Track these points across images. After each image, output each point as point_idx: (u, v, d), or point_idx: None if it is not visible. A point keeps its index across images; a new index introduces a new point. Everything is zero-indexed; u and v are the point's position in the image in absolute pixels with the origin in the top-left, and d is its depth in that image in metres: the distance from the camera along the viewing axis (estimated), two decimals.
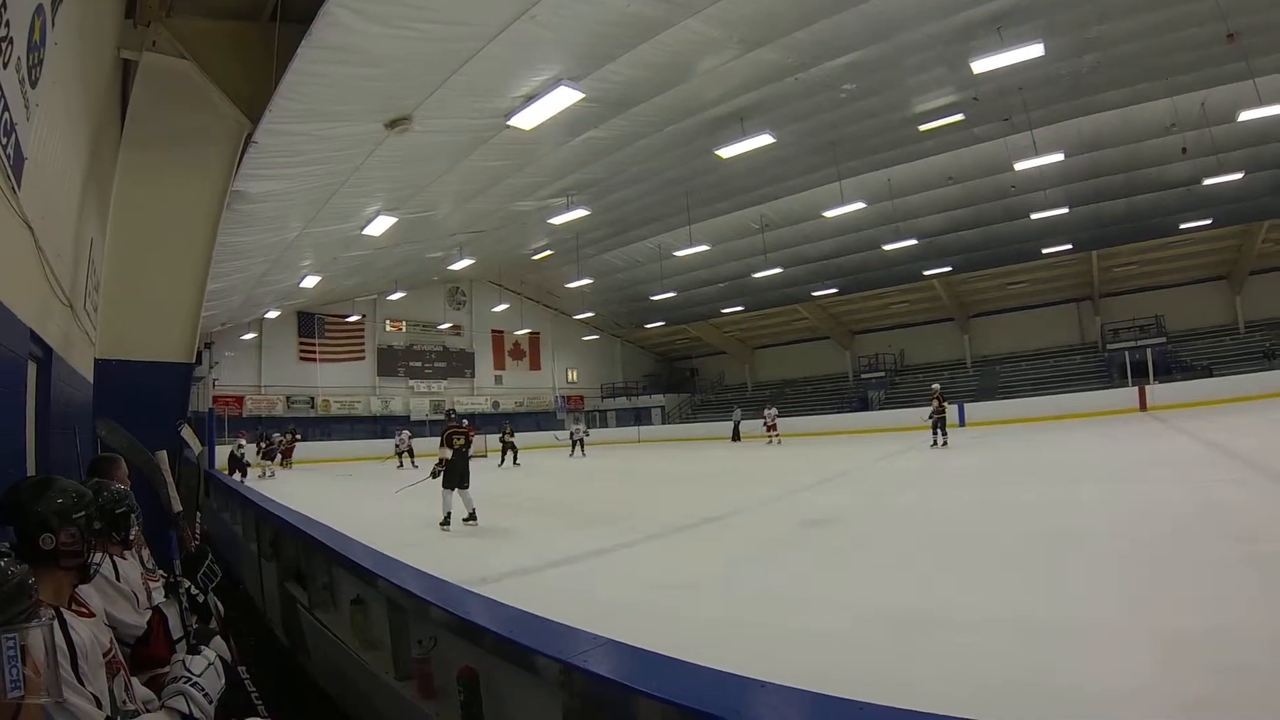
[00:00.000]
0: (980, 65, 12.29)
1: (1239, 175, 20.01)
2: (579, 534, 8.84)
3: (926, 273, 30.07)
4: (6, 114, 3.10)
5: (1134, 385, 25.34)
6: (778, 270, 29.77)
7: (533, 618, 2.32)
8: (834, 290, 32.96)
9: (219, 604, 3.61)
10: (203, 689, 1.95)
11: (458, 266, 26.05)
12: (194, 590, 3.06)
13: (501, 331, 40.39)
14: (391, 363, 36.11)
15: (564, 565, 7.04)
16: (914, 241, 26.39)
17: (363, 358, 35.13)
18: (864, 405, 34.03)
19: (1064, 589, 4.88)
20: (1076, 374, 29.99)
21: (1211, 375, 24.99)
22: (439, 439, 10.32)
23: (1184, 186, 22.64)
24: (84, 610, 1.92)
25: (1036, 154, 18.18)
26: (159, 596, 2.96)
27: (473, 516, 9.78)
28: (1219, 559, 5.15)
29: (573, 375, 44.55)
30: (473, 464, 10.36)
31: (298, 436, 26.74)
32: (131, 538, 2.77)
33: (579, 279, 30.33)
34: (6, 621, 1.33)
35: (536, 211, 21.22)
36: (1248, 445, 11.31)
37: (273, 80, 7.99)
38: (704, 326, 40.57)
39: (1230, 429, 14.05)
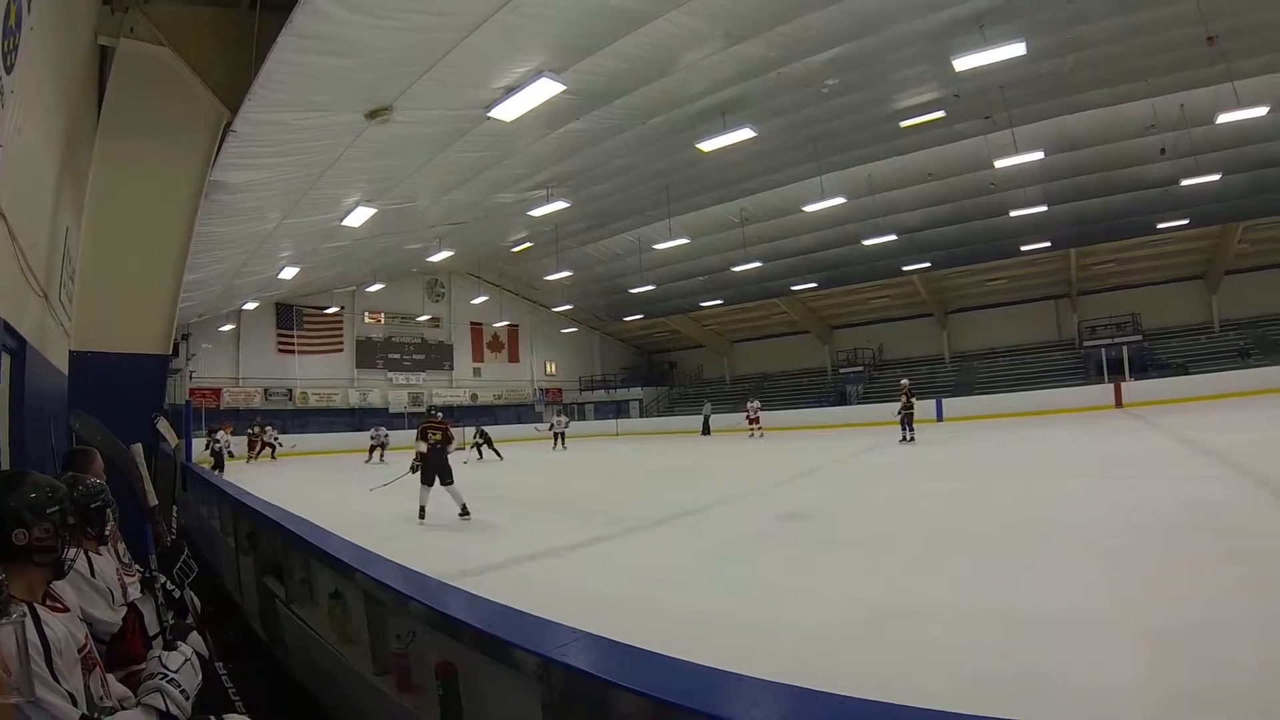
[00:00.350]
0: (962, 63, 12.35)
1: (1216, 176, 20.32)
2: (558, 527, 8.82)
3: (906, 268, 30.24)
4: None
5: (1110, 382, 25.66)
6: (757, 264, 29.90)
7: (511, 611, 2.32)
8: (813, 285, 33.18)
9: (196, 599, 3.59)
10: (180, 685, 1.94)
11: (437, 258, 25.89)
12: (170, 585, 3.05)
13: (480, 324, 40.24)
14: (370, 355, 35.90)
15: (542, 559, 7.03)
16: (894, 237, 26.65)
17: (341, 350, 34.88)
18: (842, 400, 34.22)
19: (1042, 583, 4.93)
20: (1054, 370, 30.33)
21: (1187, 373, 25.42)
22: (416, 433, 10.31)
23: (1162, 187, 22.95)
24: (58, 606, 1.89)
25: (1017, 152, 18.35)
26: (135, 592, 2.94)
27: (465, 512, 9.55)
28: (1198, 554, 5.24)
29: (551, 368, 44.52)
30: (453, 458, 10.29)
31: (267, 428, 26.53)
32: (107, 533, 2.73)
33: (558, 271, 30.33)
34: None
35: (516, 204, 21.15)
36: (1223, 442, 11.45)
37: (252, 69, 7.90)
38: (683, 320, 40.59)
39: (1205, 426, 14.22)
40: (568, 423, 28.42)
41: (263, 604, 4.90)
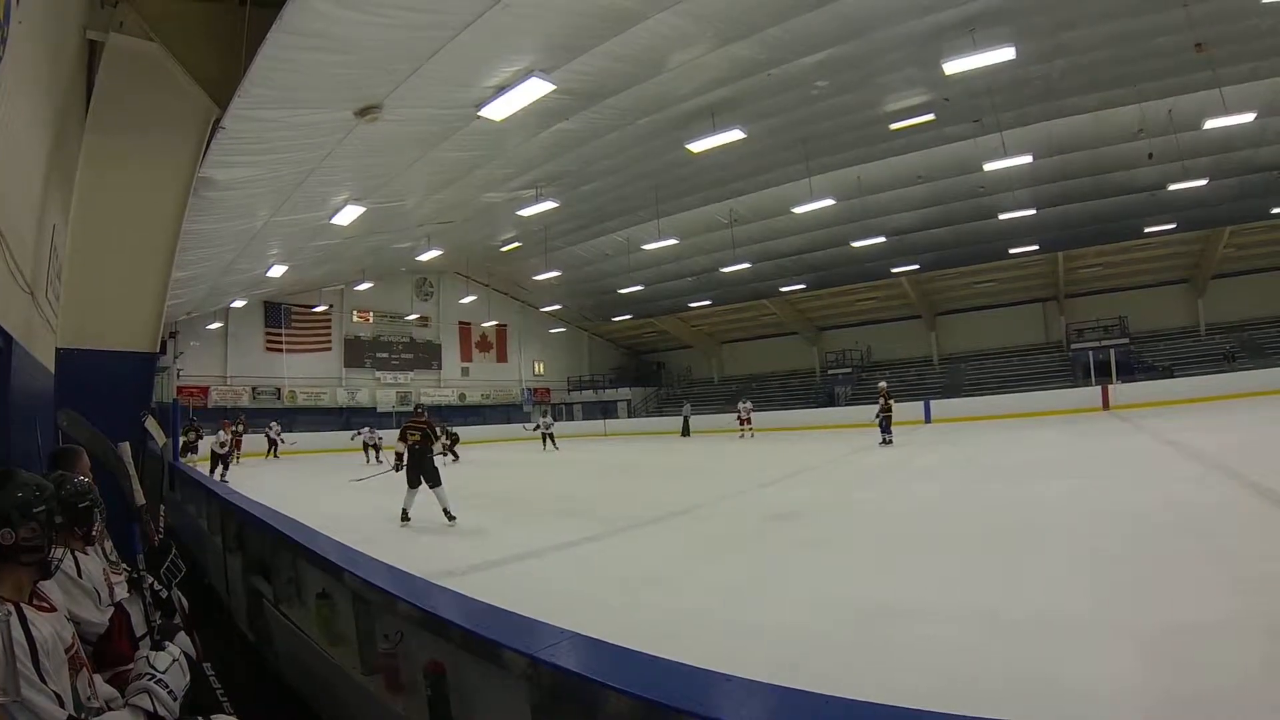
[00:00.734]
0: (952, 66, 12.43)
1: (1204, 181, 20.52)
2: (546, 527, 8.83)
3: (894, 270, 30.41)
4: None
5: (1097, 384, 25.86)
6: (746, 265, 30.00)
7: (499, 611, 2.31)
8: (802, 286, 33.26)
9: (183, 599, 3.57)
10: (167, 686, 1.94)
11: (426, 257, 25.86)
12: (158, 585, 3.03)
13: (469, 323, 40.13)
14: (358, 353, 35.72)
15: (531, 558, 7.04)
16: (882, 239, 26.72)
17: (329, 348, 34.69)
18: (830, 401, 34.31)
19: (1030, 584, 4.96)
20: (1041, 373, 30.55)
21: (1173, 376, 25.63)
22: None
23: (1149, 191, 23.16)
24: (45, 605, 1.88)
25: (1006, 155, 18.48)
26: (122, 592, 2.92)
27: (450, 516, 9.23)
28: (1182, 555, 5.30)
29: (540, 368, 44.45)
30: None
31: (272, 424, 26.49)
32: (95, 532, 2.71)
33: (547, 271, 30.29)
34: None
35: (506, 203, 21.14)
36: (1208, 444, 11.57)
37: (242, 65, 7.86)
38: (671, 320, 40.59)
39: (1191, 429, 14.36)
40: (551, 423, 28.29)
41: (250, 604, 4.88)
